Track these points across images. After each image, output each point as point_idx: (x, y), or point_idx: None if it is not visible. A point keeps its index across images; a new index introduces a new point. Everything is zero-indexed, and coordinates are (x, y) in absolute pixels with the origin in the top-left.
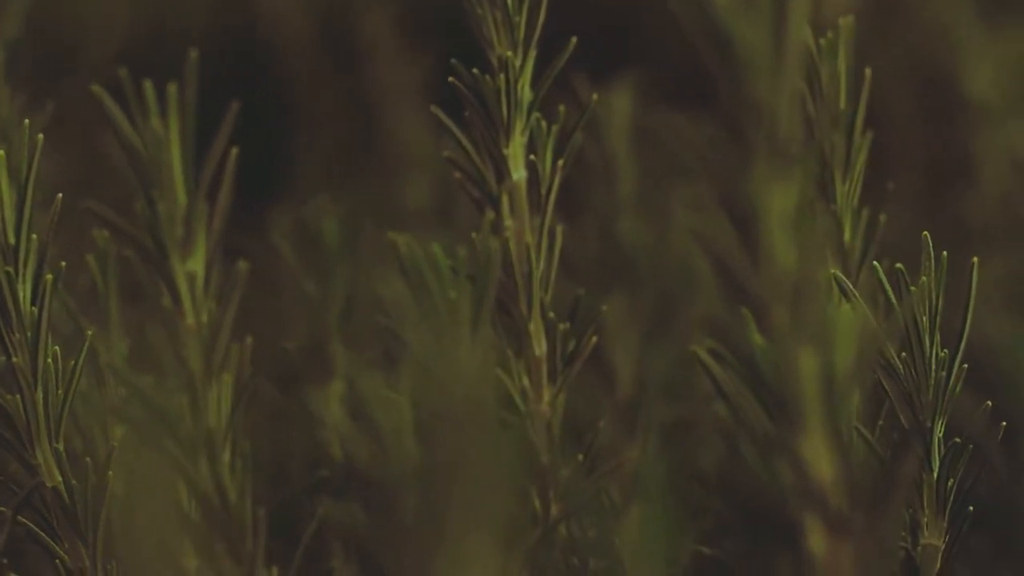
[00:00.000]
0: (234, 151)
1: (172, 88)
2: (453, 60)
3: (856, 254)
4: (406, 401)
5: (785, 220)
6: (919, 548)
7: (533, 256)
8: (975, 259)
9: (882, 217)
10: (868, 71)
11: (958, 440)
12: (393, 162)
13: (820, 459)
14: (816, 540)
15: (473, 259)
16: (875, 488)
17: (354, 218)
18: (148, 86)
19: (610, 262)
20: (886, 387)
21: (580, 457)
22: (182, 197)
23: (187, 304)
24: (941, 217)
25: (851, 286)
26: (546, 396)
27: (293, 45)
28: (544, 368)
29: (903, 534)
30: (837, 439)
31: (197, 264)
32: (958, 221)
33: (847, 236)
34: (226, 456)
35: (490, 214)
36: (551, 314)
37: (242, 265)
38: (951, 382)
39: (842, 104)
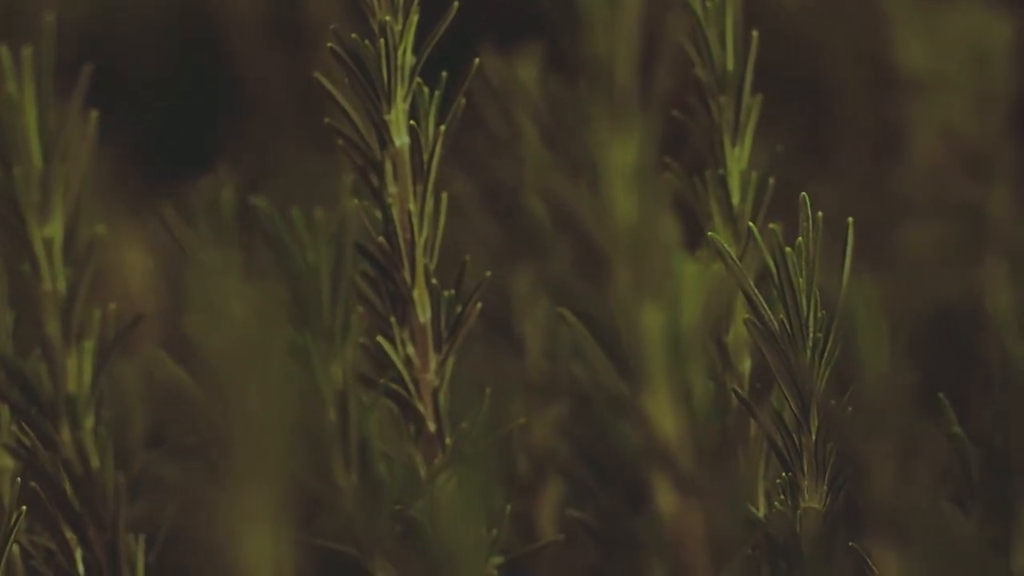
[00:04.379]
0: (94, 114)
1: (27, 51)
2: (333, 26)
3: (746, 218)
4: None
5: (626, 176)
6: (799, 512)
7: (416, 223)
8: (850, 219)
9: (771, 180)
10: (755, 33)
11: (834, 403)
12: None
13: (665, 418)
14: (665, 500)
15: (340, 223)
16: (719, 447)
17: (255, 191)
18: (4, 51)
19: (517, 232)
20: (763, 350)
21: (464, 425)
22: (38, 162)
23: (44, 270)
24: (876, 189)
25: (726, 246)
26: (432, 364)
27: (243, 23)
28: (429, 336)
29: (783, 497)
30: (682, 398)
31: (55, 230)
32: (892, 193)
33: (736, 200)
34: (89, 423)
35: (351, 178)
36: (434, 281)
37: (99, 229)
38: (828, 344)
39: (730, 66)
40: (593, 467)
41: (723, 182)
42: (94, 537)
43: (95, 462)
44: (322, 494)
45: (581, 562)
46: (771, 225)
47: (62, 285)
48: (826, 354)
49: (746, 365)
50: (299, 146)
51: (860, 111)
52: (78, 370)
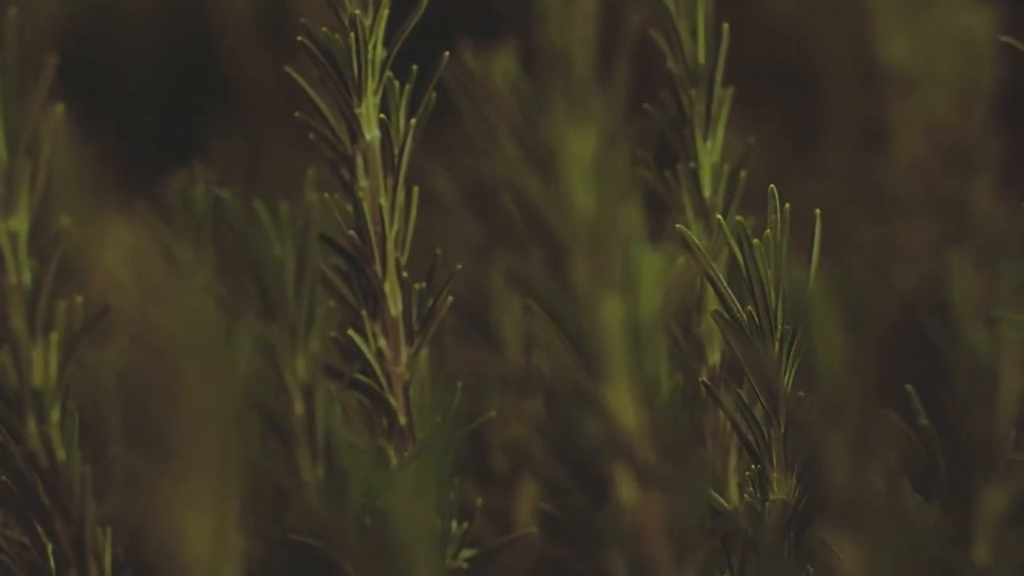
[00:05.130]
0: (60, 108)
1: None
2: (303, 19)
3: (717, 211)
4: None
5: (585, 168)
6: (767, 504)
7: (386, 216)
8: (817, 211)
9: (743, 173)
10: (726, 26)
11: (803, 394)
12: None
13: (626, 410)
14: (626, 492)
15: (305, 216)
16: (680, 439)
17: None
18: None
19: (495, 227)
20: (730, 342)
21: (439, 419)
22: (3, 154)
23: (9, 262)
24: (860, 184)
25: (694, 238)
26: (403, 357)
27: (236, 23)
28: (401, 329)
29: (752, 489)
30: (642, 390)
31: (20, 222)
32: (876, 188)
33: (707, 192)
34: (55, 416)
35: (313, 171)
36: (406, 274)
37: (64, 221)
38: (796, 337)
39: (701, 59)
40: (563, 460)
41: (695, 175)
42: (61, 530)
43: (61, 455)
44: (289, 488)
45: (553, 555)
46: (738, 217)
47: (27, 278)
48: (794, 346)
49: (716, 357)
50: (290, 143)
51: (845, 106)
52: (44, 363)
